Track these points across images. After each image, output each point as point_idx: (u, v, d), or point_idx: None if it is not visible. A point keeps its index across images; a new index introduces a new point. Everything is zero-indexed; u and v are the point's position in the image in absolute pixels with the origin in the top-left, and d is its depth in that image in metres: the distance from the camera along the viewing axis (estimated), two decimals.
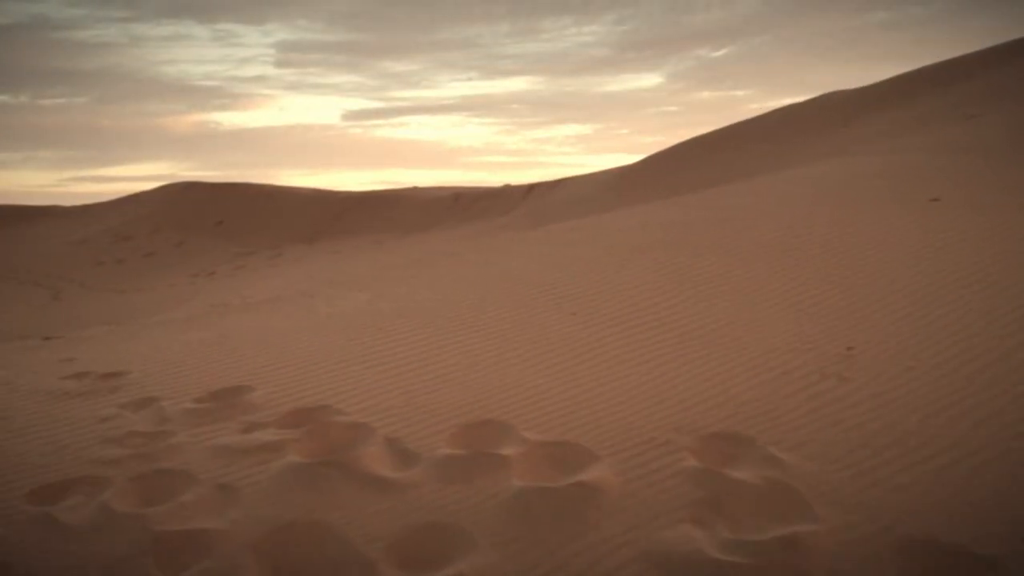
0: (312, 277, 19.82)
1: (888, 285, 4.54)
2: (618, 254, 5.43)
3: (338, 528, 3.05)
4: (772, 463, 3.11)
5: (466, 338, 4.37)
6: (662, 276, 4.92)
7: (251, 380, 4.17)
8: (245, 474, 3.40)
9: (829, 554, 2.69)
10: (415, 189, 36.20)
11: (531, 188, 29.59)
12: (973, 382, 3.56)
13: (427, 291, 5.43)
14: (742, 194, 7.07)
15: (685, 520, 2.90)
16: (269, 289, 25.24)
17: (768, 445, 3.20)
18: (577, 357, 3.99)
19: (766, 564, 2.64)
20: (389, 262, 8.11)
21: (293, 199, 38.34)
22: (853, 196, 6.42)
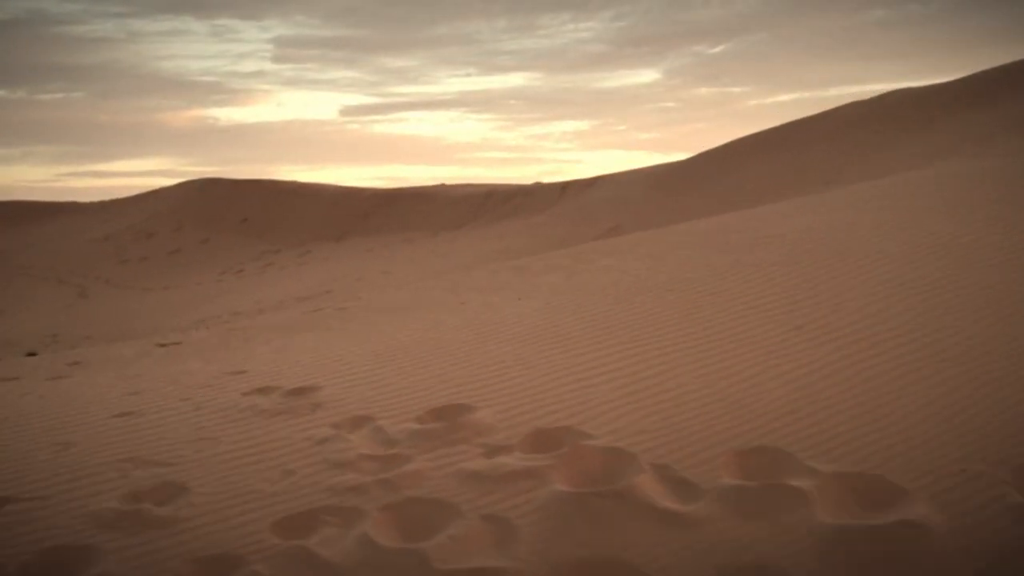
0: (365, 281, 19.42)
1: None
2: (803, 261, 5.18)
3: (643, 568, 2.81)
4: None
5: (687, 354, 4.12)
6: (878, 285, 4.67)
7: (468, 397, 3.92)
8: (510, 504, 3.16)
9: None
10: (443, 187, 35.91)
11: (565, 186, 29.32)
12: None
13: (598, 300, 5.17)
14: (895, 195, 6.81)
15: None
16: (309, 289, 25.00)
17: None
18: (829, 377, 3.74)
19: None
20: (501, 265, 7.85)
21: (318, 196, 38.07)
22: None
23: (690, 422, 3.51)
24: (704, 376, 3.87)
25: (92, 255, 39.63)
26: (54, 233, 45.12)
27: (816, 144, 15.87)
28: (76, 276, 36.88)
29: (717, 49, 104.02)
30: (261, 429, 3.90)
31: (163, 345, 6.96)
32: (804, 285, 4.80)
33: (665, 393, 3.75)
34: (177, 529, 3.20)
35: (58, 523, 3.31)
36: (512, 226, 26.41)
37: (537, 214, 27.24)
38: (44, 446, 3.96)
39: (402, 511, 3.20)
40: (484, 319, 5.21)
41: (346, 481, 3.39)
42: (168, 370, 5.26)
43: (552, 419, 3.66)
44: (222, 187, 42.14)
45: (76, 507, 3.40)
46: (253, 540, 3.12)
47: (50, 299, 33.99)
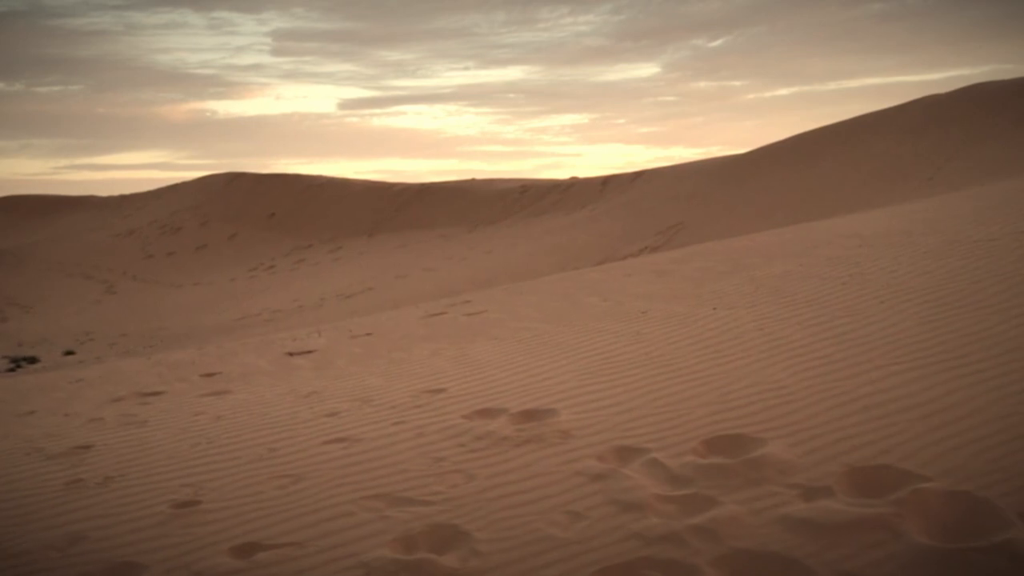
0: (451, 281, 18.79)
1: None
2: None
3: None
4: None
5: (988, 377, 3.68)
6: None
7: (744, 426, 3.50)
8: (865, 561, 2.73)
9: None
10: (473, 181, 35.44)
11: (606, 182, 28.84)
12: None
13: (825, 312, 4.74)
14: None
15: None
16: (349, 286, 24.54)
17: None
18: None
19: None
20: (631, 267, 7.39)
21: (346, 191, 37.63)
22: None
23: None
24: (1013, 404, 3.43)
25: (117, 250, 39.26)
26: (75, 227, 44.75)
27: (899, 138, 15.36)
28: (102, 271, 36.53)
29: (716, 43, 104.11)
30: (514, 461, 3.47)
31: (292, 355, 6.54)
32: None
33: (988, 425, 3.31)
34: None
35: (331, 575, 2.89)
36: (555, 222, 25.95)
37: (578, 210, 26.77)
38: (266, 479, 3.55)
39: (738, 566, 2.77)
40: (691, 332, 4.77)
41: (652, 527, 2.96)
42: (343, 386, 4.83)
43: (862, 455, 3.23)
44: (247, 182, 41.74)
45: (343, 555, 2.98)
46: None
47: (77, 295, 33.61)
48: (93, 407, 5.22)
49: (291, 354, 6.56)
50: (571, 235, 21.59)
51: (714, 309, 5.08)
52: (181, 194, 45.68)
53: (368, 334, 7.13)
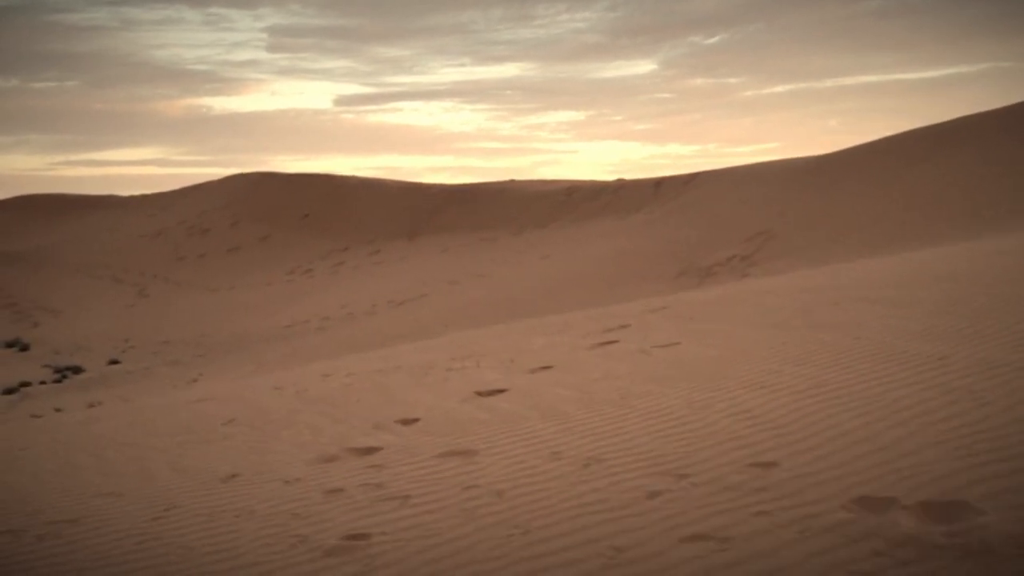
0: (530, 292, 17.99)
1: None
2: None
3: None
4: None
5: None
6: None
7: None
8: None
9: None
10: (513, 183, 34.70)
11: (659, 184, 28.07)
12: None
13: None
14: None
15: None
16: (400, 292, 23.77)
17: None
18: None
19: None
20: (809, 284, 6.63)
21: (381, 192, 36.92)
22: None
23: None
24: None
25: (145, 251, 38.54)
26: (98, 228, 44.05)
27: (1015, 142, 14.54)
28: (132, 274, 35.84)
29: (713, 40, 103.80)
30: None
31: (482, 394, 5.80)
32: None
33: None
34: None
35: None
36: (609, 226, 25.19)
37: (633, 213, 25.99)
38: None
39: None
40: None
41: None
42: (623, 449, 4.08)
43: None
44: (277, 182, 41.02)
45: None
46: None
47: (108, 298, 32.91)
48: (305, 468, 4.47)
49: (480, 393, 5.83)
50: (632, 240, 20.82)
51: None
52: (207, 194, 44.98)
53: (547, 367, 6.40)
